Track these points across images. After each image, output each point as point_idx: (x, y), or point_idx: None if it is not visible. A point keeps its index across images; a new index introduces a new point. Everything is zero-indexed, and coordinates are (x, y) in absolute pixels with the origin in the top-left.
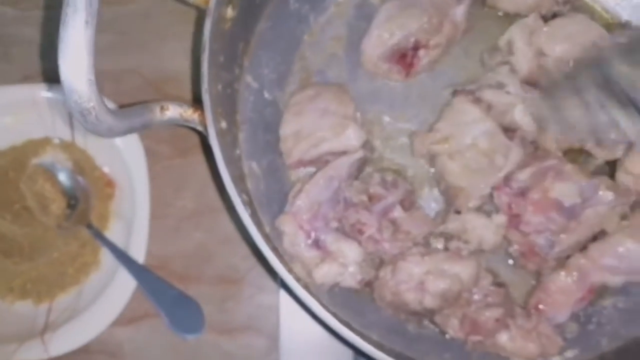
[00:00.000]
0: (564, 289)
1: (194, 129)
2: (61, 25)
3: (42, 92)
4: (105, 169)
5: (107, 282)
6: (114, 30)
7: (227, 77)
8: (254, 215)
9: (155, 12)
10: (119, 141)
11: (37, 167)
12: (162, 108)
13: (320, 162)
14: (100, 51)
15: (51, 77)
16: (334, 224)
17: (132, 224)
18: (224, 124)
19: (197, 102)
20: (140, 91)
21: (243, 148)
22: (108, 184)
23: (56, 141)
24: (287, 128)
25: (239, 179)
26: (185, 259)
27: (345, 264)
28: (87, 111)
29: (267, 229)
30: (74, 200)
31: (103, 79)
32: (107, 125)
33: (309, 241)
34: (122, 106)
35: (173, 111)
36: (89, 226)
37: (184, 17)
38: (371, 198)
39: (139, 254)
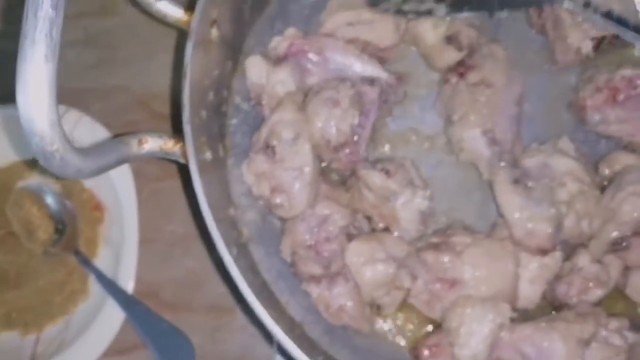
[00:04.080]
0: None
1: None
2: (18, 60)
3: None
4: (94, 192)
5: (96, 312)
6: (101, 45)
7: (213, 101)
8: (243, 260)
9: (141, 24)
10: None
11: (23, 190)
12: (140, 141)
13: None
14: (87, 67)
15: None
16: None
17: (120, 249)
18: (208, 155)
19: (178, 131)
20: (128, 109)
21: (233, 175)
22: (97, 208)
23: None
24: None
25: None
26: (176, 286)
27: None
28: (50, 155)
29: (265, 275)
30: (61, 225)
31: (90, 97)
32: (74, 167)
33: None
34: (109, 126)
35: (152, 144)
36: (77, 252)
37: (172, 30)
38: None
39: (127, 282)
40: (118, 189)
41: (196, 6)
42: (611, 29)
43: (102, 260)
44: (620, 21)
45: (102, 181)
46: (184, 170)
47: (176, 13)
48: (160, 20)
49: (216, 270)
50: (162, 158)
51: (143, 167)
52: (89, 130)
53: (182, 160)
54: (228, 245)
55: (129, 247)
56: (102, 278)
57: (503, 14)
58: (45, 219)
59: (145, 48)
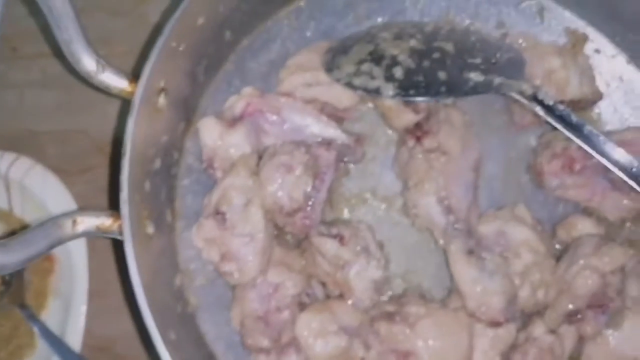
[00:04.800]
0: None
1: None
2: None
3: None
4: None
5: None
6: (59, 88)
7: (160, 168)
8: None
9: None
10: (57, 211)
11: None
12: (74, 222)
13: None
14: (44, 110)
15: None
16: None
17: (70, 302)
18: (150, 229)
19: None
20: (85, 155)
21: (182, 238)
22: (47, 258)
23: None
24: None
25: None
26: (129, 340)
27: None
28: None
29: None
30: (8, 276)
31: (46, 140)
32: None
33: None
34: (65, 172)
35: (88, 224)
36: (23, 306)
37: None
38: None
39: (76, 337)
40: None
41: (139, 80)
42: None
43: (51, 312)
44: (562, 118)
45: None
46: None
47: (120, 84)
48: (103, 91)
49: None
50: (100, 237)
51: None
52: (40, 180)
53: (121, 238)
54: (166, 330)
55: (79, 300)
56: (47, 334)
57: (448, 100)
58: None
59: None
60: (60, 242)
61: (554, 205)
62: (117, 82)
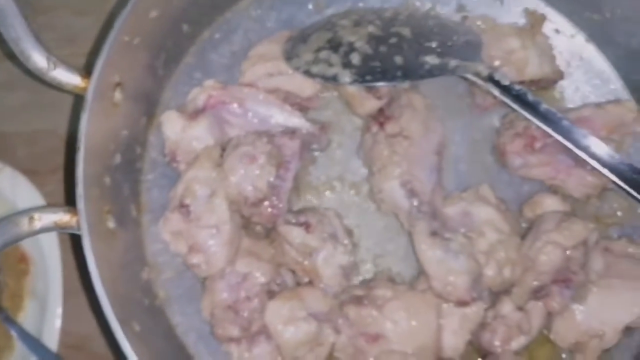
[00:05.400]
0: None
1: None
2: None
3: None
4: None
5: None
6: (26, 88)
7: (121, 163)
8: None
9: None
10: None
11: None
12: (30, 219)
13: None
14: (12, 111)
15: None
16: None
17: (45, 303)
18: (111, 223)
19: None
20: (55, 154)
21: (149, 233)
22: (22, 260)
23: None
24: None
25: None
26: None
27: None
28: None
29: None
30: None
31: (16, 141)
32: None
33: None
34: (36, 173)
35: (45, 220)
36: None
37: None
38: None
39: (52, 336)
40: (41, 238)
41: (92, 75)
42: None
43: (28, 313)
44: (519, 97)
45: None
46: None
47: (72, 80)
48: (56, 88)
49: None
50: (59, 232)
51: None
52: (10, 181)
53: (79, 233)
54: (128, 321)
55: (54, 300)
56: (24, 336)
57: (405, 84)
58: None
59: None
60: (17, 239)
61: (519, 185)
62: (69, 78)
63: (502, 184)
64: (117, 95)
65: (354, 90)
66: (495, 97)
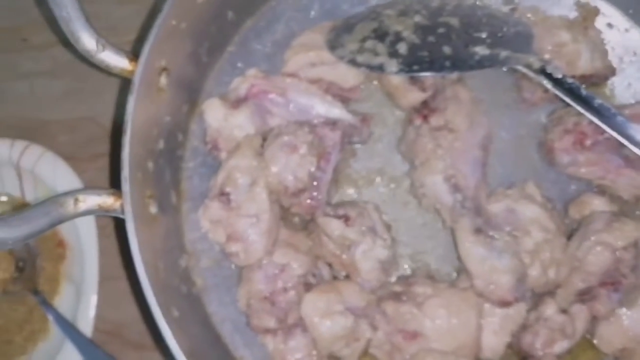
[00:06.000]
0: None
1: None
2: None
3: None
4: (57, 228)
5: (57, 351)
6: (68, 76)
7: (164, 149)
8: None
9: None
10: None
11: None
12: (76, 200)
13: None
14: (54, 98)
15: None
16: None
17: (81, 288)
18: (153, 209)
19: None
20: (96, 142)
21: (188, 220)
22: (59, 244)
23: (4, 198)
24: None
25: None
26: (141, 325)
27: None
28: None
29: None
30: (22, 262)
31: (56, 129)
32: None
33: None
34: (76, 159)
35: (90, 202)
36: (36, 292)
37: None
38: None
39: (87, 322)
40: (78, 224)
41: (139, 58)
42: (564, 97)
43: (63, 297)
44: (572, 91)
45: None
46: None
47: (120, 63)
48: (104, 71)
49: None
50: (102, 215)
51: None
52: (50, 167)
53: (123, 217)
54: (168, 307)
55: (90, 285)
56: (60, 320)
57: (452, 76)
58: (6, 256)
59: (113, 79)
60: (62, 220)
61: (565, 184)
62: (117, 61)
63: (547, 182)
64: (163, 80)
65: (397, 81)
66: (545, 91)
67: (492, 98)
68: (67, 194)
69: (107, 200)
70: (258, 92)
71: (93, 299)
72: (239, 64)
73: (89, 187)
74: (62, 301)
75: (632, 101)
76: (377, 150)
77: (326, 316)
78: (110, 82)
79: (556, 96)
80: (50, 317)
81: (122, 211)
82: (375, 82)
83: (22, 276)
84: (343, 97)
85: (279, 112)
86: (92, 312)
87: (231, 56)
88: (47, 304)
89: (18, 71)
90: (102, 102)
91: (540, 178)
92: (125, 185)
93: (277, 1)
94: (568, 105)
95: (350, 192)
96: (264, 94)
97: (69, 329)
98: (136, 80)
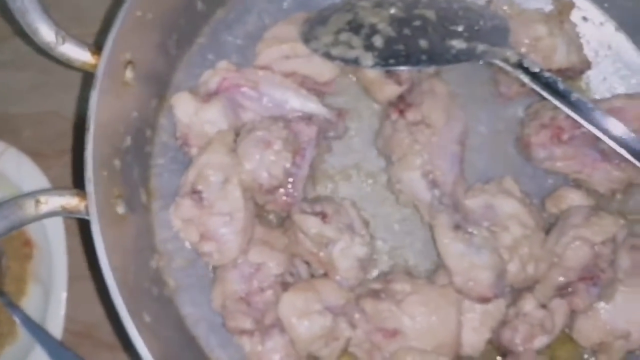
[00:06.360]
0: None
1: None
2: None
3: None
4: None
5: (25, 355)
6: (34, 69)
7: (131, 145)
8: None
9: None
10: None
11: None
12: (37, 202)
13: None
14: (18, 91)
15: None
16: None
17: (50, 288)
18: (121, 208)
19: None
20: (61, 136)
21: (159, 219)
22: (26, 244)
23: None
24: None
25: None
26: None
27: None
28: None
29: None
30: None
31: (21, 122)
32: None
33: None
34: (41, 155)
35: (52, 204)
36: (0, 293)
37: None
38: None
39: (57, 323)
40: (46, 223)
41: (102, 51)
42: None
43: (31, 298)
44: (549, 85)
45: None
46: None
47: (82, 56)
48: (65, 64)
49: None
50: (66, 217)
51: None
52: (14, 162)
53: (88, 218)
54: (139, 312)
55: (59, 285)
56: (27, 322)
57: (430, 70)
58: None
59: (79, 72)
60: (22, 223)
61: (542, 178)
62: (78, 54)
63: (524, 177)
64: (128, 73)
65: (373, 75)
66: (522, 85)
67: (469, 92)
68: (27, 195)
69: (70, 201)
70: (230, 85)
71: (62, 300)
72: (210, 56)
73: (51, 187)
74: (30, 302)
75: (608, 95)
76: (353, 145)
77: (304, 316)
78: (77, 75)
79: (533, 90)
80: (17, 320)
81: (87, 212)
82: (350, 76)
83: None
84: (318, 90)
85: (251, 107)
86: (61, 313)
87: (201, 48)
88: (13, 306)
89: None
90: (68, 95)
91: (517, 173)
92: (90, 186)
93: None
94: (544, 99)
95: (326, 187)
96: (236, 88)
97: (38, 331)
98: (99, 74)
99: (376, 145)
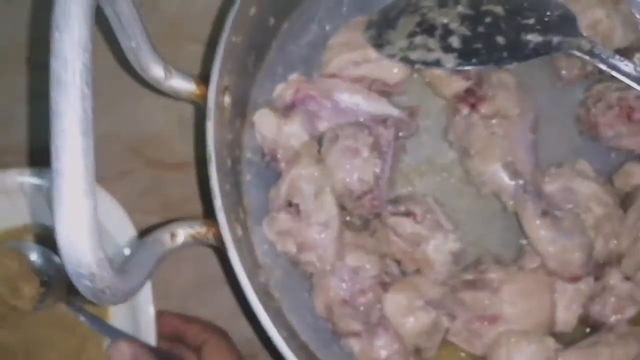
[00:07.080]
0: None
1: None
2: (52, 188)
3: (24, 178)
4: None
5: None
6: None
7: (230, 168)
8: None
9: (122, 69)
10: (105, 222)
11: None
12: (172, 235)
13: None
14: None
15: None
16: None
17: (136, 306)
18: (239, 231)
19: (207, 213)
20: (121, 159)
21: (254, 235)
22: None
23: (38, 230)
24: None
25: (262, 292)
26: None
27: None
28: (100, 292)
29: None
30: (46, 277)
31: None
32: (123, 294)
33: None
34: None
35: (184, 235)
36: (68, 302)
37: None
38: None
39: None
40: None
41: (210, 79)
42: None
43: (115, 317)
44: (619, 69)
45: (106, 240)
46: None
47: (189, 87)
48: (173, 97)
49: (242, 315)
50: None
51: (145, 219)
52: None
53: (216, 244)
54: (278, 329)
55: (144, 302)
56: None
57: (511, 66)
58: (30, 274)
59: (130, 93)
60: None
61: (606, 155)
62: (185, 86)
63: (587, 155)
64: (227, 99)
65: (439, 71)
66: (582, 68)
67: (529, 78)
68: (162, 229)
69: (200, 230)
70: (304, 96)
71: (151, 312)
72: (279, 70)
73: (178, 219)
74: (115, 321)
75: None
76: (424, 142)
77: (410, 313)
78: (124, 96)
79: (591, 72)
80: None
81: (216, 240)
82: (414, 74)
83: (49, 291)
84: (385, 92)
85: (326, 115)
86: (152, 326)
87: (270, 62)
88: (81, 310)
89: (26, 93)
90: (121, 116)
91: (581, 153)
92: (221, 216)
93: (309, 1)
94: (604, 80)
95: (403, 186)
96: (310, 98)
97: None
98: (210, 104)
99: (447, 139)
